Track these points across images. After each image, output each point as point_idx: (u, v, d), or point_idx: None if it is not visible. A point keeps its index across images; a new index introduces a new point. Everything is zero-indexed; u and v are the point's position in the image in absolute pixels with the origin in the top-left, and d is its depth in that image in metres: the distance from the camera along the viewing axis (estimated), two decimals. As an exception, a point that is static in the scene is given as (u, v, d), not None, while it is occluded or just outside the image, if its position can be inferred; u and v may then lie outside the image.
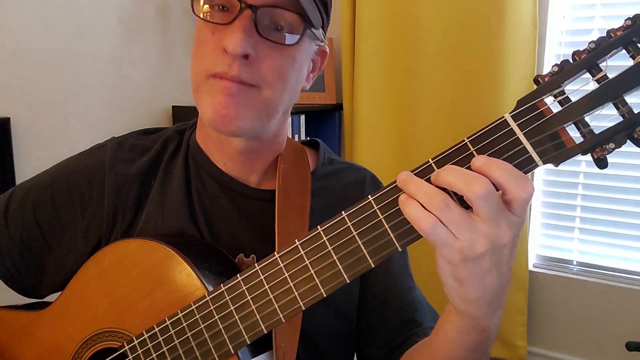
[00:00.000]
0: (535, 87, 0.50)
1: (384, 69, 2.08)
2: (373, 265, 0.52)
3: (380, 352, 0.75)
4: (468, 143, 0.50)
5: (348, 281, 0.53)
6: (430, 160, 0.50)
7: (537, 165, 0.48)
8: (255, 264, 0.57)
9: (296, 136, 2.06)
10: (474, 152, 0.49)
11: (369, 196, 0.52)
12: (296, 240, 0.55)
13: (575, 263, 2.00)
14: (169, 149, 0.75)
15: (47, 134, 1.66)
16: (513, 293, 1.98)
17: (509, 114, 0.49)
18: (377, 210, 0.52)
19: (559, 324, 2.01)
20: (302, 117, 2.10)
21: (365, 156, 2.11)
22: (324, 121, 2.27)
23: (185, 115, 1.99)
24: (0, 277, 0.74)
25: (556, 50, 1.95)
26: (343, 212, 0.53)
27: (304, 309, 0.55)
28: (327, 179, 0.78)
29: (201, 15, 0.62)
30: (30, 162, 1.60)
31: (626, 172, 1.86)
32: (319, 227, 0.54)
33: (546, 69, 1.94)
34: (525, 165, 0.48)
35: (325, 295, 0.54)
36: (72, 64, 1.73)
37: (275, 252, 0.56)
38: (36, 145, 1.63)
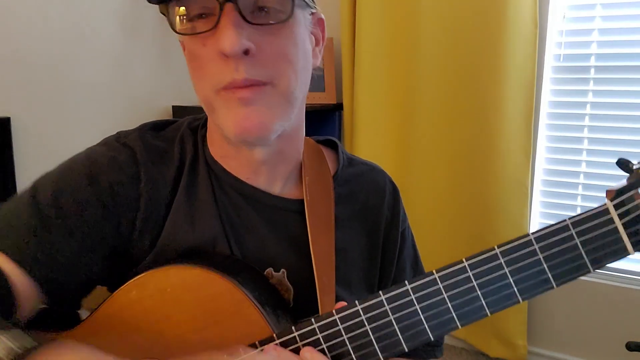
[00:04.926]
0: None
1: (384, 68, 2.08)
2: (432, 339, 0.54)
3: None
4: (570, 224, 0.52)
5: (406, 350, 0.54)
6: (530, 234, 0.52)
7: (629, 254, 0.51)
8: (334, 311, 0.56)
9: (296, 136, 2.06)
10: (574, 234, 0.51)
11: (434, 271, 0.54)
12: (357, 302, 0.56)
13: (575, 263, 2.00)
14: (187, 152, 0.69)
15: (47, 134, 1.67)
16: (513, 293, 1.98)
17: (611, 202, 0.51)
18: (442, 288, 0.54)
19: (559, 324, 2.01)
20: (302, 117, 2.10)
21: (365, 156, 2.09)
22: (324, 121, 2.27)
23: (185, 116, 1.99)
24: (47, 289, 0.62)
25: (556, 51, 1.95)
26: (407, 282, 0.54)
27: None
28: (348, 184, 0.75)
29: (184, 31, 0.57)
30: (30, 162, 1.60)
31: (626, 173, 1.85)
32: (380, 293, 0.55)
33: (546, 69, 1.94)
34: (619, 254, 0.51)
35: (406, 350, 0.55)
36: (72, 64, 1.73)
37: (357, 302, 0.55)
38: (36, 145, 1.63)
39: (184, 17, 0.57)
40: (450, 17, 1.93)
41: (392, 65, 2.07)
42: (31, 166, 1.60)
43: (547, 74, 1.96)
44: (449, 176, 2.03)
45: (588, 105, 1.92)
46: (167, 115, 2.06)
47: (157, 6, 0.59)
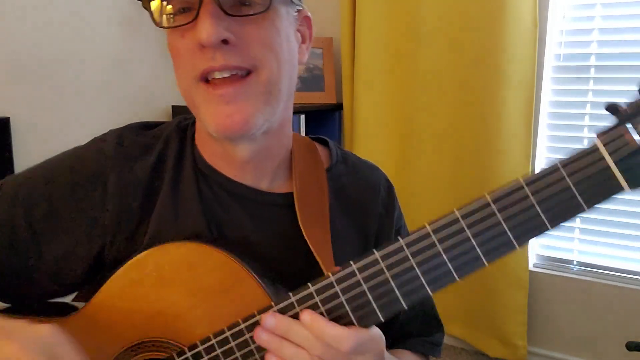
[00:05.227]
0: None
1: (383, 69, 2.08)
2: (431, 294, 0.53)
3: None
4: (560, 166, 0.51)
5: (405, 307, 0.53)
6: (521, 179, 0.51)
7: (624, 190, 0.50)
8: (330, 274, 0.55)
9: (296, 136, 2.06)
10: (565, 175, 0.50)
11: (426, 224, 0.53)
12: (351, 262, 0.55)
13: (575, 263, 2.00)
14: (172, 149, 0.70)
15: (47, 134, 1.67)
16: (513, 293, 1.98)
17: (600, 140, 0.50)
18: (436, 241, 0.53)
19: (559, 324, 2.01)
20: (302, 117, 2.10)
21: (365, 156, 2.08)
22: (324, 121, 2.27)
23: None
24: None
25: (556, 50, 1.95)
26: (400, 238, 0.53)
27: (382, 320, 0.54)
28: (341, 179, 0.74)
29: (166, 25, 0.59)
30: (30, 162, 1.59)
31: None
32: (375, 251, 0.54)
33: (546, 69, 1.94)
34: (612, 191, 0.50)
35: (405, 307, 0.54)
36: (72, 64, 1.73)
37: (352, 262, 0.55)
38: (36, 145, 1.63)
39: (167, 12, 0.58)
40: (450, 16, 1.92)
41: (392, 65, 2.07)
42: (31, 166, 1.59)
43: (548, 73, 1.96)
44: (449, 176, 2.03)
45: (588, 105, 1.92)
46: (167, 115, 2.06)
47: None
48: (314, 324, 0.53)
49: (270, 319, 0.54)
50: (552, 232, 1.91)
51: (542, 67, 1.92)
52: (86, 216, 0.66)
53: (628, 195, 1.82)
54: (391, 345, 0.77)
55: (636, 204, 1.86)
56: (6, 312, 0.67)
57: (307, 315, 0.53)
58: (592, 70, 1.90)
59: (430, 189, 2.06)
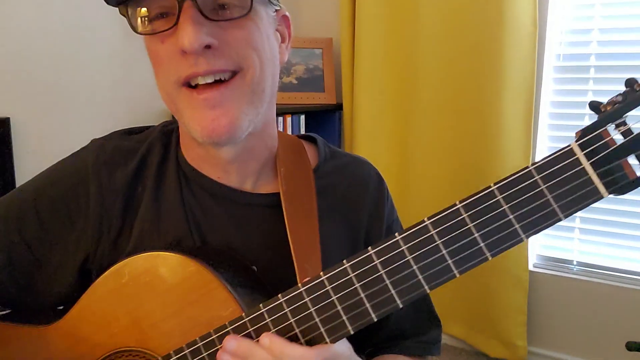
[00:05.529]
0: (588, 110, 0.48)
1: (383, 68, 2.08)
2: (401, 306, 0.51)
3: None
4: (533, 170, 0.48)
5: (375, 320, 0.52)
6: (492, 185, 0.49)
7: (602, 197, 0.47)
8: (300, 284, 0.54)
9: (296, 136, 2.06)
10: (539, 180, 0.48)
11: (397, 234, 0.51)
12: (321, 274, 0.54)
13: (575, 263, 2.00)
14: (155, 153, 0.70)
15: (47, 134, 1.66)
16: (513, 293, 1.98)
17: (576, 142, 0.48)
18: (406, 250, 0.51)
19: (559, 324, 2.01)
20: (302, 117, 2.10)
21: (365, 156, 2.10)
22: (324, 121, 2.27)
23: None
24: None
25: (556, 50, 1.95)
26: (370, 248, 0.52)
27: (352, 333, 0.53)
28: (330, 176, 0.73)
29: (144, 31, 0.58)
30: (30, 162, 1.60)
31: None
32: (344, 261, 0.53)
33: (546, 69, 1.94)
34: (590, 197, 0.47)
35: (375, 320, 0.53)
36: (72, 64, 1.73)
37: (322, 273, 0.53)
38: (36, 145, 1.63)
39: (144, 17, 0.58)
40: (450, 17, 1.93)
41: (392, 65, 2.07)
42: (31, 166, 1.59)
43: (548, 73, 1.95)
44: (448, 176, 2.03)
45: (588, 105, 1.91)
46: (167, 115, 2.06)
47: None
48: (273, 347, 0.53)
49: (231, 342, 0.54)
50: (552, 232, 1.92)
51: (542, 67, 1.92)
52: (73, 227, 0.67)
53: (628, 195, 1.83)
54: (385, 346, 0.76)
55: (636, 204, 1.86)
56: (5, 318, 0.69)
57: (266, 339, 0.53)
58: (592, 70, 1.90)
59: (430, 189, 2.06)
